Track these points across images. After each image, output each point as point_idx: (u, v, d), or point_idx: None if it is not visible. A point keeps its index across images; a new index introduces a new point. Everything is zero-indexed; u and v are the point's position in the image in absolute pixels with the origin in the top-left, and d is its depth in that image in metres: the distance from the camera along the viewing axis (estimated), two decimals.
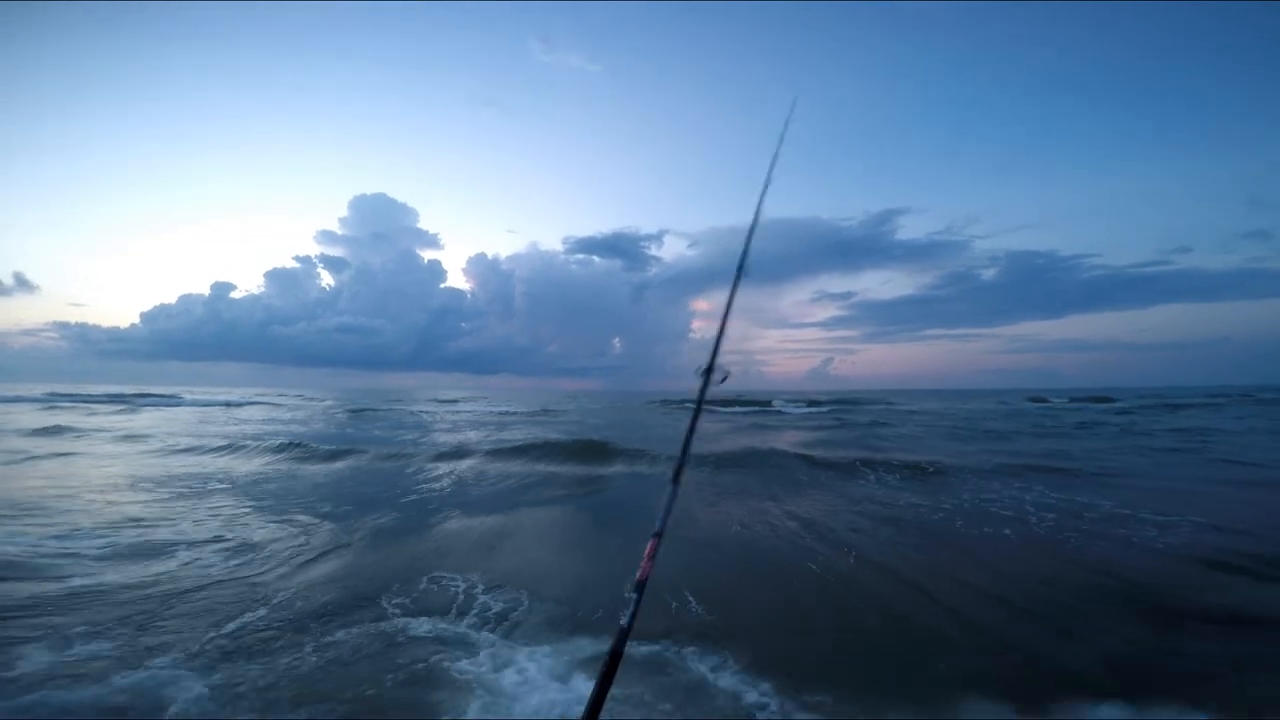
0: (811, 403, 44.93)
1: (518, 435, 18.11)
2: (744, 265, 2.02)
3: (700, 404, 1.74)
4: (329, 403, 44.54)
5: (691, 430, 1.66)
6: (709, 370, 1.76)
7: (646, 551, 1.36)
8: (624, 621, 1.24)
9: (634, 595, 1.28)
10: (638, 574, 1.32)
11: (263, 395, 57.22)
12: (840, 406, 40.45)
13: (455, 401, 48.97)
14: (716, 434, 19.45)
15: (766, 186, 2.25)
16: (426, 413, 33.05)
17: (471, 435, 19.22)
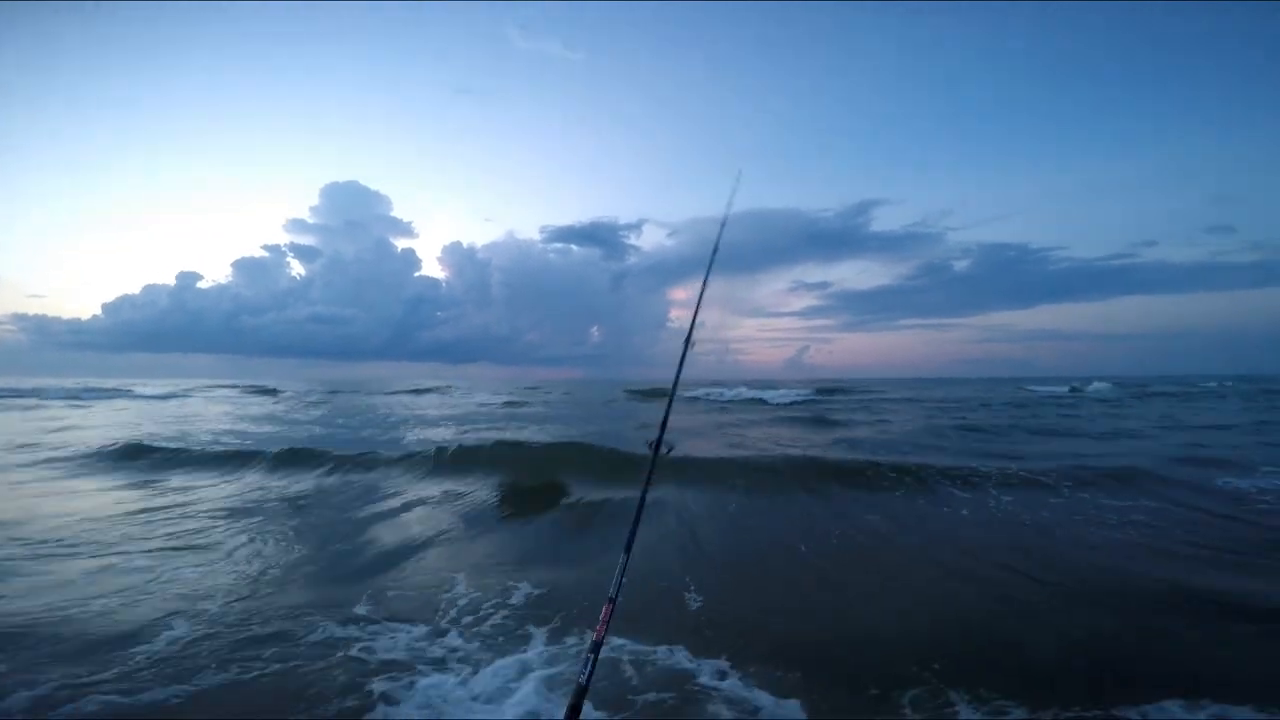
0: (800, 394, 43.60)
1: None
2: (691, 336, 2.23)
3: (649, 480, 1.80)
4: (287, 394, 41.69)
5: (641, 504, 1.70)
6: (657, 444, 1.92)
7: (602, 616, 1.48)
8: (582, 679, 1.35)
9: (590, 655, 1.40)
10: (594, 635, 1.45)
11: (213, 387, 53.66)
12: (827, 396, 38.95)
13: (425, 392, 46.31)
14: (715, 431, 16.38)
15: (715, 252, 2.45)
16: (369, 405, 30.57)
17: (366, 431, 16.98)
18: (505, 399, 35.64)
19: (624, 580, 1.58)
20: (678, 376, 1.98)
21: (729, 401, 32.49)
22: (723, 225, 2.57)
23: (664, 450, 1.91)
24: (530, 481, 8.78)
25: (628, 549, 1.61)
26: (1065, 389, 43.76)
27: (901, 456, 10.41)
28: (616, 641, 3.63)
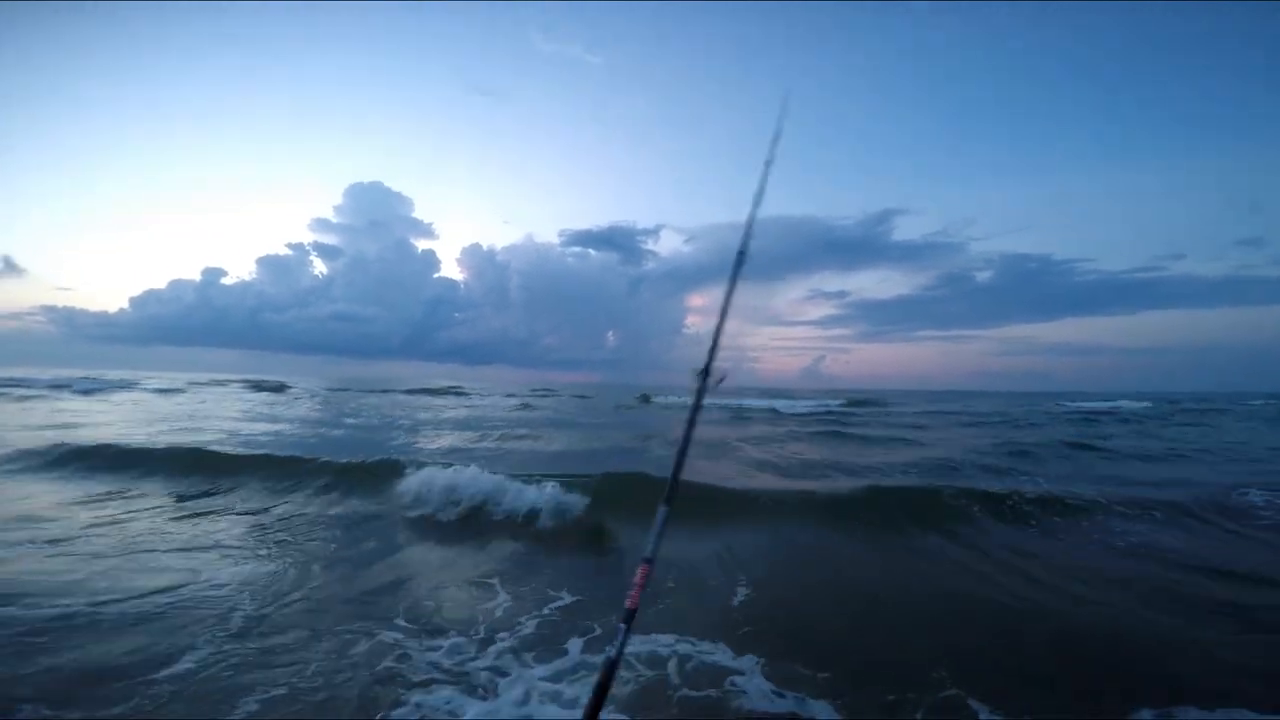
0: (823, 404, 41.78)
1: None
2: (743, 257, 1.93)
3: (696, 409, 1.62)
4: (295, 390, 40.78)
5: (686, 441, 1.57)
6: (705, 372, 1.70)
7: (636, 579, 1.28)
8: (611, 652, 1.17)
9: (623, 625, 1.21)
10: (627, 602, 1.24)
11: (225, 381, 52.98)
12: (856, 407, 37.03)
13: (442, 393, 45.11)
14: (747, 449, 13.78)
15: (763, 187, 2.10)
16: (366, 405, 29.38)
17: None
18: (517, 401, 34.37)
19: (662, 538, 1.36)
20: (693, 417, 1.58)
21: (747, 410, 30.72)
22: (761, 188, 2.10)
23: (714, 382, 1.67)
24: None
25: (668, 500, 1.44)
26: (1105, 404, 41.51)
27: (1014, 484, 8.69)
28: None
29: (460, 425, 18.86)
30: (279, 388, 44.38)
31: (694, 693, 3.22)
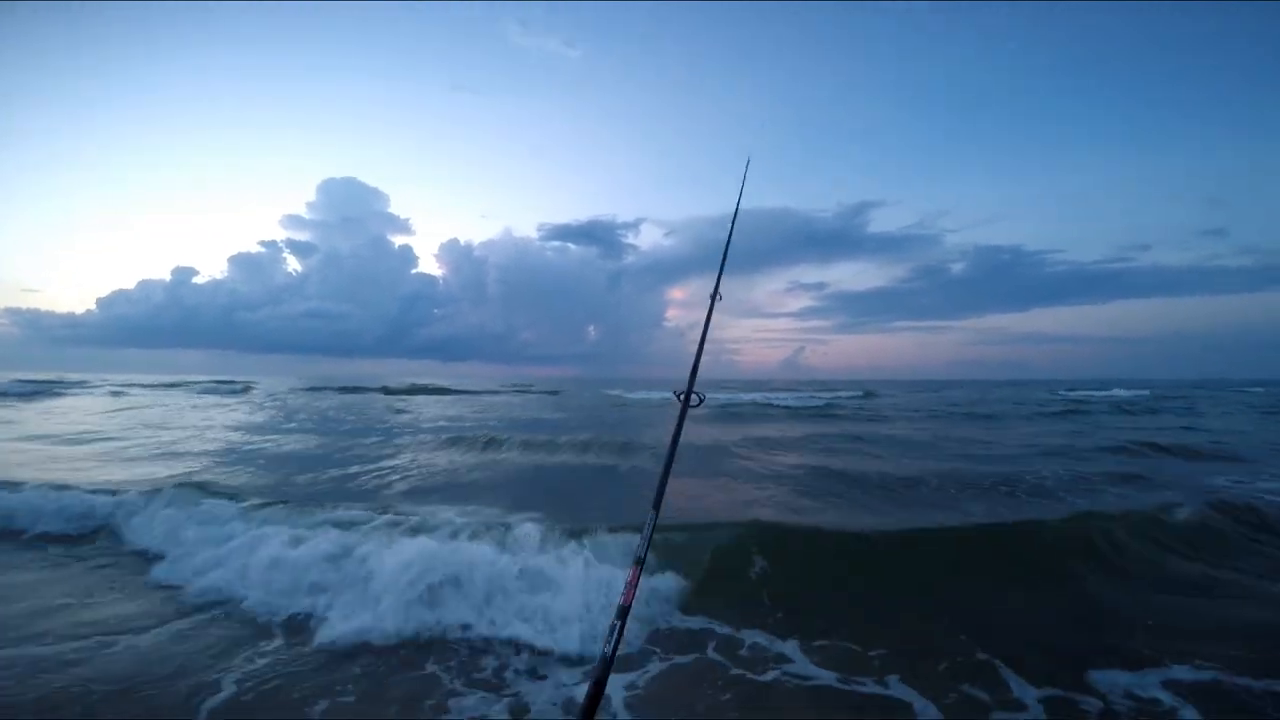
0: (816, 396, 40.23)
1: None
2: (715, 300, 2.15)
3: (679, 430, 1.69)
4: (255, 393, 37.96)
5: (671, 455, 1.64)
6: (687, 395, 1.81)
7: (629, 579, 1.32)
8: (606, 650, 1.15)
9: (616, 622, 1.20)
10: (620, 599, 1.27)
11: (182, 384, 49.64)
12: (861, 399, 35.46)
13: (410, 392, 42.53)
14: (753, 455, 11.32)
15: (730, 239, 2.37)
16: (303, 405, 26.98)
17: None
18: (492, 399, 32.06)
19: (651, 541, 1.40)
20: (676, 435, 1.66)
21: (737, 405, 28.88)
22: (734, 221, 2.44)
23: (694, 403, 1.80)
24: None
25: (656, 505, 1.49)
26: (1101, 392, 40.88)
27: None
28: None
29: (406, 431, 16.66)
30: (241, 390, 41.49)
31: None
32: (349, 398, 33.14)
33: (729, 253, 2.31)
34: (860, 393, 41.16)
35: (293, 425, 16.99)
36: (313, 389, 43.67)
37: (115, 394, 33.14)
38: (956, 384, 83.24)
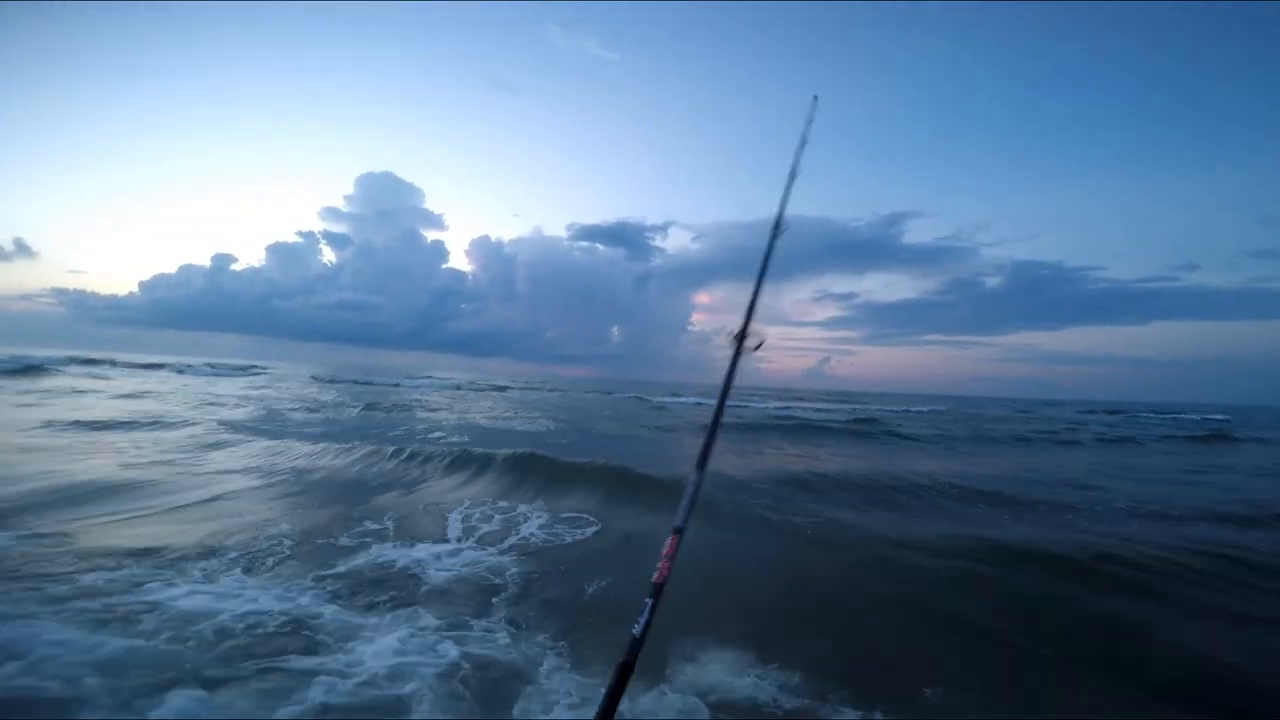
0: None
1: None
2: (779, 228, 1.89)
3: (731, 375, 1.52)
4: (266, 376, 37.45)
5: (720, 408, 1.47)
6: (742, 335, 1.56)
7: (665, 549, 1.18)
8: (636, 630, 1.09)
9: (649, 600, 1.12)
10: (655, 575, 1.15)
11: (212, 365, 49.64)
12: (903, 415, 33.34)
13: (395, 385, 41.61)
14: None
15: (792, 179, 2.04)
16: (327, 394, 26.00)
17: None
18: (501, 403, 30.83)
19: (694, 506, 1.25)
20: (728, 383, 1.49)
21: (770, 419, 27.08)
22: (790, 181, 2.04)
23: (752, 346, 1.55)
24: None
25: (701, 465, 1.33)
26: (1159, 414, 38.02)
27: None
28: None
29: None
30: (257, 371, 41.01)
31: None
32: (394, 393, 32.30)
33: (766, 256, 1.89)
34: (902, 408, 38.95)
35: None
36: (334, 380, 43.02)
37: (140, 372, 32.76)
38: (991, 401, 79.48)
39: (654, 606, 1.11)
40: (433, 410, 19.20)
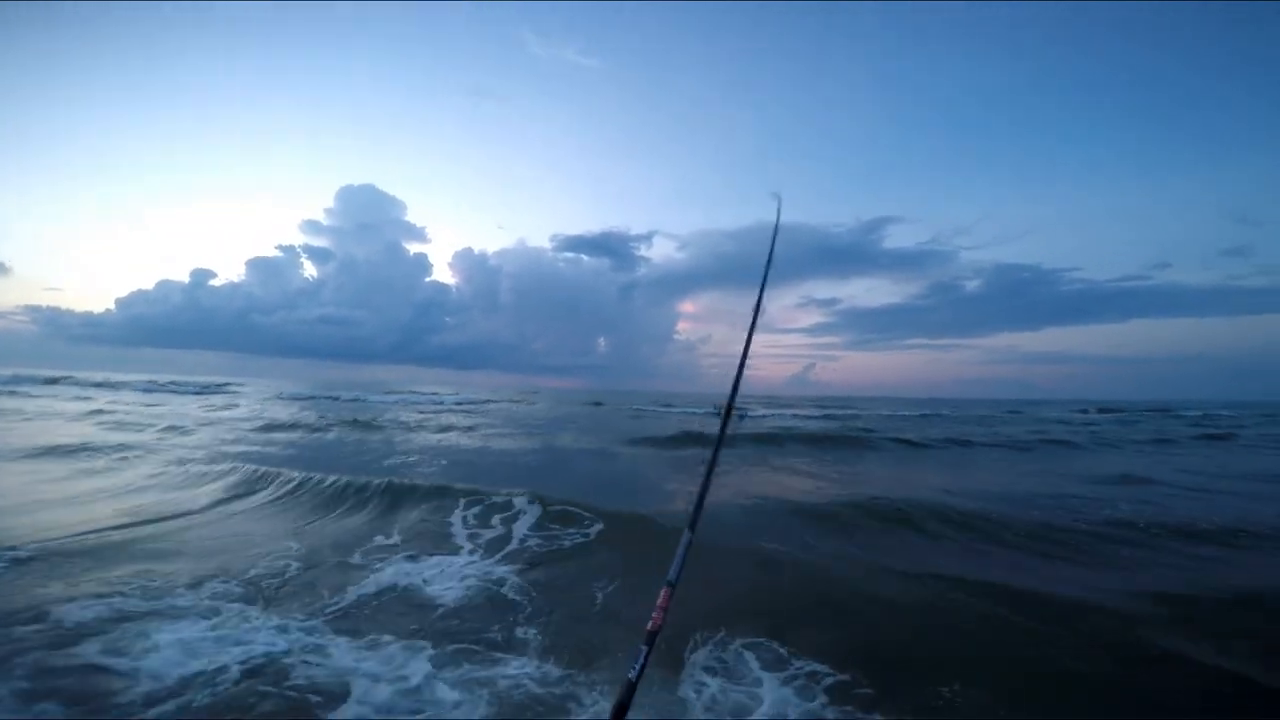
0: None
1: None
2: (756, 321, 2.10)
3: (719, 445, 1.70)
4: (243, 394, 35.51)
5: (710, 471, 1.60)
6: (728, 410, 1.82)
7: (659, 602, 1.29)
8: (631, 675, 1.17)
9: (644, 647, 1.21)
10: (649, 624, 1.25)
11: (168, 384, 47.41)
12: (912, 422, 32.23)
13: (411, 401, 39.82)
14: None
15: (764, 283, 2.27)
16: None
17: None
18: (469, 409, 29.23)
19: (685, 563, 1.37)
20: (715, 455, 1.68)
21: (781, 429, 25.83)
22: (768, 264, 2.33)
23: (736, 418, 1.86)
24: None
25: (692, 526, 1.46)
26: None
27: None
28: None
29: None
30: (225, 390, 38.98)
31: None
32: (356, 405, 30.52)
33: (765, 276, 2.26)
34: (922, 413, 37.88)
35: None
36: (312, 397, 41.06)
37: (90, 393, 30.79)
38: (974, 403, 79.12)
39: (649, 652, 1.21)
40: (386, 430, 17.56)
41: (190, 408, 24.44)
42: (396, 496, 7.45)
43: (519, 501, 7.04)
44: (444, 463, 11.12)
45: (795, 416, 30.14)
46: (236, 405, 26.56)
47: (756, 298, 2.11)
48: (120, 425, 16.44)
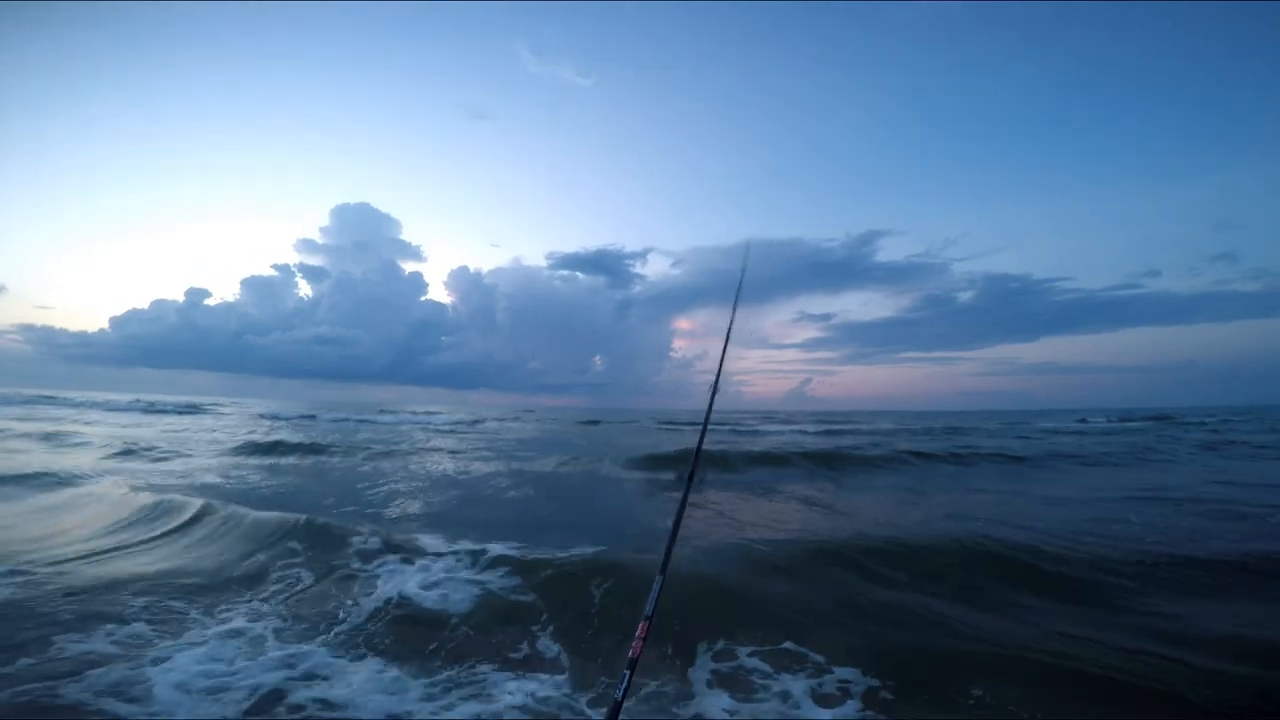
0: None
1: None
2: (717, 384, 2.24)
3: (686, 494, 1.82)
4: (225, 414, 34.06)
5: (678, 520, 1.71)
6: (692, 474, 1.92)
7: (638, 633, 1.48)
8: (618, 695, 1.34)
9: (626, 671, 1.39)
10: (630, 651, 1.45)
11: (155, 403, 45.90)
12: (914, 438, 30.95)
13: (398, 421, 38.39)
14: None
15: (732, 322, 2.40)
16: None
17: None
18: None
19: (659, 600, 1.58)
20: (683, 505, 1.80)
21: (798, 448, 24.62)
22: (738, 294, 2.46)
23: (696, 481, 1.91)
24: None
25: (663, 570, 1.63)
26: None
27: None
28: None
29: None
30: (199, 410, 37.47)
31: None
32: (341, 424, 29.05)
33: (735, 308, 2.35)
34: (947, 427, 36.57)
35: None
36: (306, 415, 39.62)
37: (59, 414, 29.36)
38: (972, 414, 77.92)
39: (630, 676, 1.38)
40: (347, 455, 16.20)
41: (155, 430, 23.06)
42: (310, 535, 6.19)
43: (428, 543, 5.82)
44: (383, 492, 9.86)
45: (798, 432, 28.87)
46: (212, 429, 25.15)
47: (732, 316, 2.26)
48: (69, 446, 15.12)
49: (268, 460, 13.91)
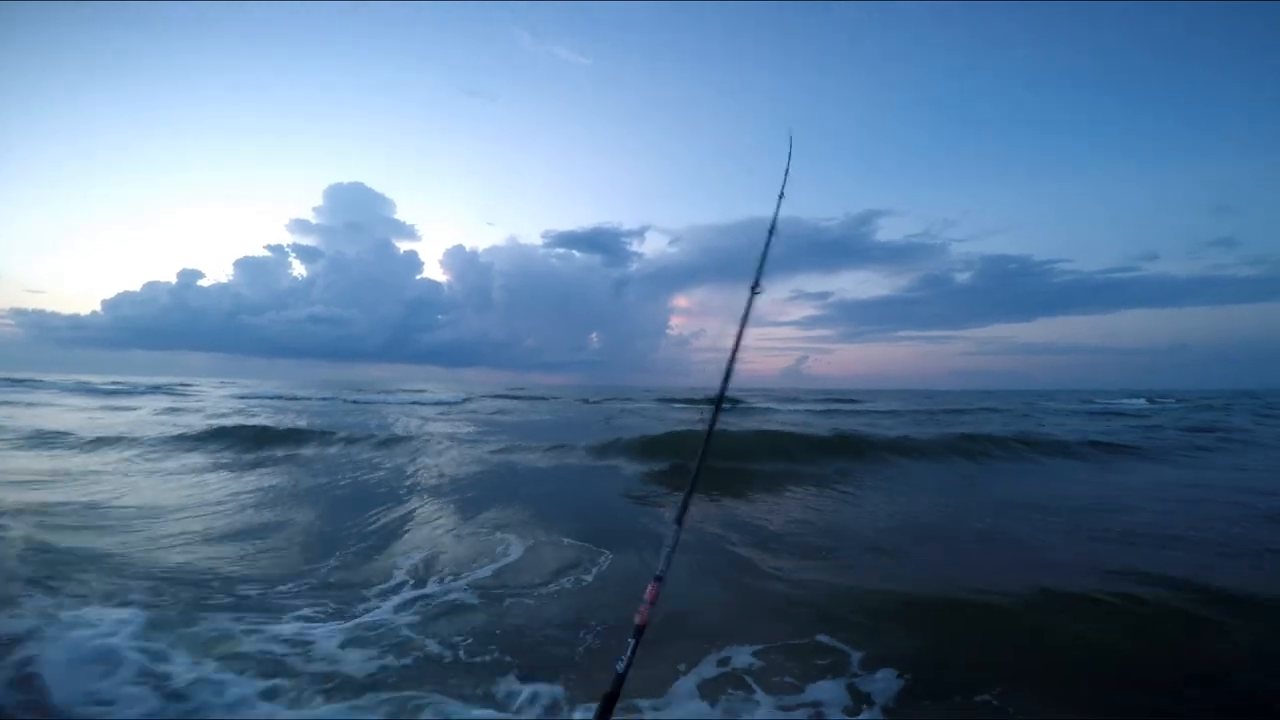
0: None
1: None
2: (752, 301, 1.96)
3: (709, 438, 1.64)
4: (200, 396, 31.81)
5: (700, 466, 1.56)
6: (718, 403, 1.72)
7: (647, 595, 1.27)
8: (620, 667, 1.18)
9: (632, 640, 1.21)
10: (636, 618, 1.24)
11: (144, 386, 43.41)
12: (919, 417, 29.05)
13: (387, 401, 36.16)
14: None
15: (766, 250, 2.12)
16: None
17: None
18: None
19: (674, 557, 1.35)
20: (705, 447, 1.63)
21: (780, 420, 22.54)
22: (776, 212, 2.20)
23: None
24: None
25: (679, 520, 1.43)
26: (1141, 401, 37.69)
27: None
28: None
29: None
30: (181, 392, 35.06)
31: None
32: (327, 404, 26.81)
33: (762, 259, 2.04)
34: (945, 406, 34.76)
35: None
36: (296, 396, 37.26)
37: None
38: (957, 394, 76.85)
39: (635, 646, 1.20)
40: (306, 441, 13.91)
41: (83, 416, 20.73)
42: None
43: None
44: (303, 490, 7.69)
45: (806, 412, 26.82)
46: (175, 410, 22.76)
47: (751, 285, 1.95)
48: None
49: (222, 453, 11.64)
